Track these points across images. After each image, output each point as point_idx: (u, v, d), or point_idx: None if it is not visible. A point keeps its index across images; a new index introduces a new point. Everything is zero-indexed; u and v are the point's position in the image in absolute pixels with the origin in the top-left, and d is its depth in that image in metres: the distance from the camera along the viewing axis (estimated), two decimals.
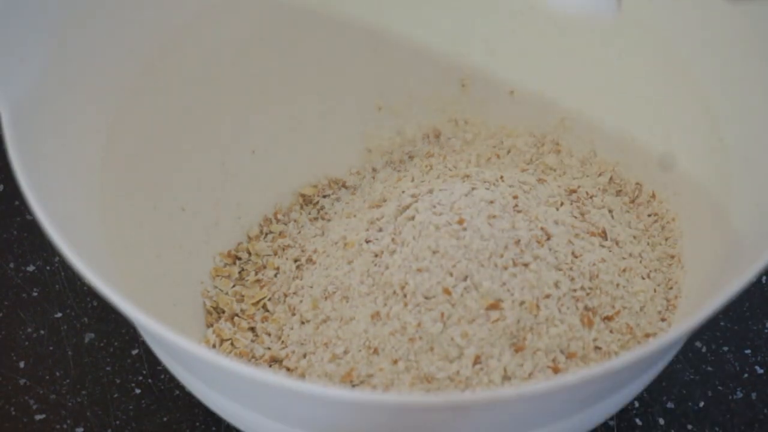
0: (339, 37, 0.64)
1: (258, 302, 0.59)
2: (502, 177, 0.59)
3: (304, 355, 0.55)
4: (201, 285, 0.60)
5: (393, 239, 0.56)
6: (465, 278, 0.54)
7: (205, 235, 0.61)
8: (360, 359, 0.53)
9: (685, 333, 0.44)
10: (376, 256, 0.56)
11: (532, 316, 0.53)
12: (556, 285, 0.54)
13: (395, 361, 0.53)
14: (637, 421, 0.58)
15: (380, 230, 0.58)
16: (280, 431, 0.48)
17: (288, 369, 0.55)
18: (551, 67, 0.64)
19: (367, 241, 0.57)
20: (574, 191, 0.61)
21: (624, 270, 0.57)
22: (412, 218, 0.57)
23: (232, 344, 0.57)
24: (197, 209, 0.61)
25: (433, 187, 0.58)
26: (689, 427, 0.58)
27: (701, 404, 0.59)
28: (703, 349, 0.60)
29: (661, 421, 0.58)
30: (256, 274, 0.61)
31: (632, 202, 0.62)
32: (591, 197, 0.61)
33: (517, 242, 0.55)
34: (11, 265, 0.64)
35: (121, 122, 0.56)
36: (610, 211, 0.60)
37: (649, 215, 0.61)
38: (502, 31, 0.64)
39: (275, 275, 0.60)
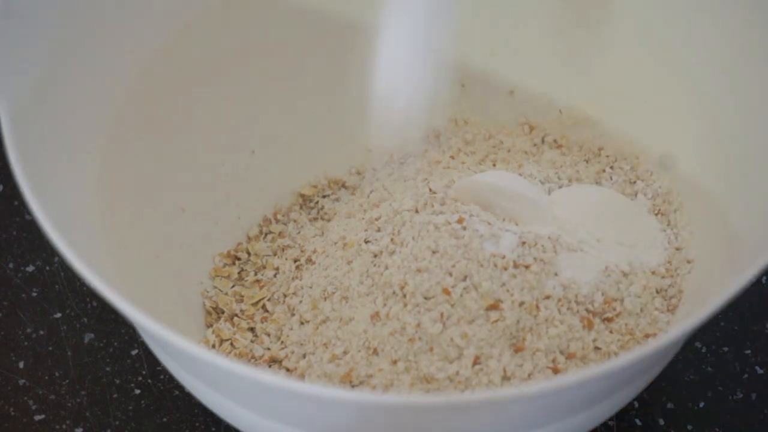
0: (339, 37, 0.64)
1: (257, 302, 0.59)
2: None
3: (304, 356, 0.55)
4: (201, 285, 0.60)
5: (392, 239, 0.56)
6: (464, 278, 0.54)
7: (204, 236, 0.61)
8: (359, 360, 0.53)
9: (684, 333, 0.44)
10: (375, 256, 0.56)
11: (532, 316, 0.53)
12: (555, 286, 0.54)
13: (395, 362, 0.53)
14: (637, 421, 0.58)
15: (379, 230, 0.58)
16: (280, 431, 0.48)
17: (287, 369, 0.55)
18: (551, 67, 0.64)
19: (366, 242, 0.57)
20: None
21: (624, 270, 0.57)
22: (411, 219, 0.57)
23: (231, 344, 0.57)
24: (197, 209, 0.61)
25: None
26: (689, 427, 0.58)
27: (701, 404, 0.59)
28: (703, 350, 0.60)
29: (661, 422, 0.58)
30: (256, 274, 0.61)
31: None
32: None
33: (522, 243, 0.55)
34: (11, 265, 0.64)
35: (121, 122, 0.56)
36: None
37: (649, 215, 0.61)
38: (502, 31, 0.64)
39: (275, 275, 0.60)
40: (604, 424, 0.58)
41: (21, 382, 0.60)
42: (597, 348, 0.54)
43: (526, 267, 0.54)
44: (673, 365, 0.59)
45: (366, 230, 0.58)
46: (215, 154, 0.62)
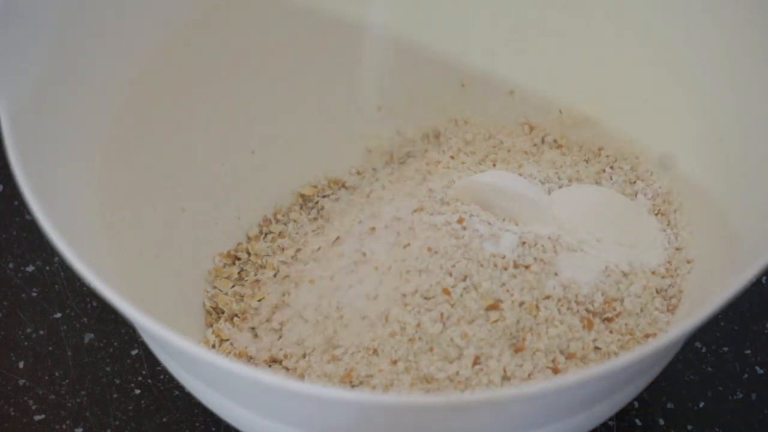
0: (339, 37, 0.64)
1: (257, 302, 0.59)
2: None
3: (304, 356, 0.55)
4: (201, 285, 0.60)
5: (392, 240, 0.56)
6: (464, 278, 0.54)
7: (204, 236, 0.61)
8: (359, 360, 0.53)
9: (684, 333, 0.44)
10: (375, 256, 0.56)
11: (532, 316, 0.53)
12: (555, 286, 0.54)
13: (395, 362, 0.53)
14: (637, 421, 0.58)
15: (379, 230, 0.58)
16: (280, 431, 0.48)
17: (287, 369, 0.55)
18: (551, 67, 0.64)
19: (366, 241, 0.57)
20: None
21: (624, 270, 0.57)
22: (411, 219, 0.57)
23: (231, 344, 0.57)
24: (197, 209, 0.61)
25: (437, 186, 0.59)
26: (689, 427, 0.58)
27: (701, 404, 0.59)
28: (703, 350, 0.60)
29: (661, 422, 0.58)
30: (256, 274, 0.61)
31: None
32: None
33: (522, 243, 0.55)
34: (11, 265, 0.64)
35: (121, 122, 0.56)
36: None
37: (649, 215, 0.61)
38: (502, 31, 0.64)
39: (275, 275, 0.60)
40: (604, 424, 0.58)
41: (21, 382, 0.60)
42: (597, 348, 0.54)
43: (526, 267, 0.54)
44: (673, 365, 0.59)
45: (365, 230, 0.58)
46: (215, 154, 0.62)
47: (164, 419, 0.59)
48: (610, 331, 0.54)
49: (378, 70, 0.65)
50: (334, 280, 0.57)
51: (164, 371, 0.60)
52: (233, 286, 0.60)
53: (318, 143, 0.65)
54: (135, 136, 0.57)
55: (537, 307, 0.53)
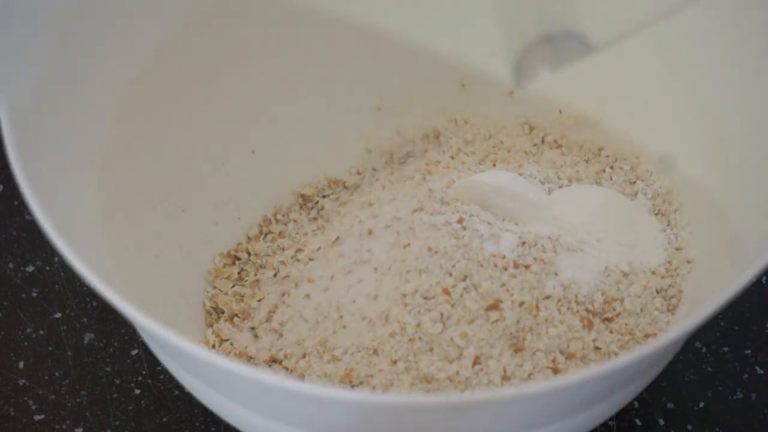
0: (339, 37, 0.64)
1: (257, 302, 0.59)
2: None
3: (304, 356, 0.55)
4: (201, 285, 0.60)
5: (393, 240, 0.56)
6: (464, 278, 0.54)
7: (204, 235, 0.61)
8: (359, 360, 0.53)
9: (684, 333, 0.44)
10: (375, 256, 0.56)
11: (532, 316, 0.53)
12: (555, 286, 0.54)
13: (395, 362, 0.53)
14: (637, 421, 0.58)
15: (379, 231, 0.58)
16: (280, 431, 0.48)
17: (287, 369, 0.55)
18: None
19: (366, 241, 0.57)
20: None
21: (624, 270, 0.57)
22: (411, 219, 0.57)
23: (231, 344, 0.57)
24: (197, 209, 0.61)
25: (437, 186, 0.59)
26: (689, 427, 0.58)
27: (701, 404, 0.59)
28: (703, 350, 0.60)
29: (661, 422, 0.58)
30: (256, 274, 0.61)
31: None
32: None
33: (522, 243, 0.55)
34: (11, 265, 0.64)
35: (121, 122, 0.56)
36: None
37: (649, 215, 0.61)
38: None
39: (274, 275, 0.60)
40: (604, 424, 0.58)
41: (21, 382, 0.60)
42: (597, 348, 0.54)
43: (526, 267, 0.54)
44: (673, 365, 0.59)
45: (365, 230, 0.58)
46: (215, 154, 0.62)
47: (164, 419, 0.59)
48: (610, 331, 0.54)
49: (378, 70, 0.65)
50: (334, 280, 0.57)
51: (164, 371, 0.60)
52: (233, 286, 0.60)
53: (318, 143, 0.65)
54: (135, 136, 0.57)
55: (537, 307, 0.53)
